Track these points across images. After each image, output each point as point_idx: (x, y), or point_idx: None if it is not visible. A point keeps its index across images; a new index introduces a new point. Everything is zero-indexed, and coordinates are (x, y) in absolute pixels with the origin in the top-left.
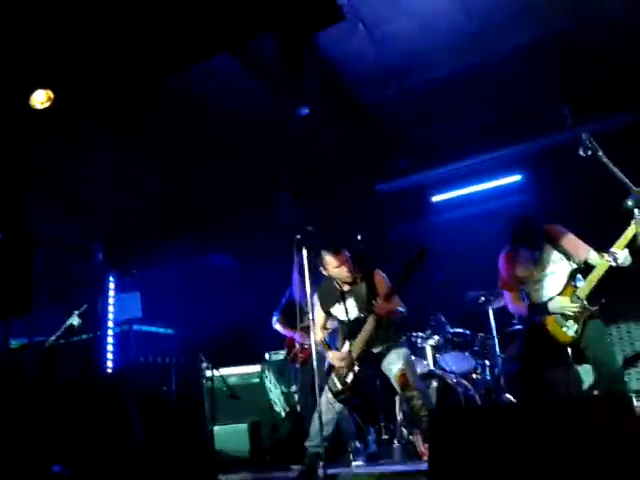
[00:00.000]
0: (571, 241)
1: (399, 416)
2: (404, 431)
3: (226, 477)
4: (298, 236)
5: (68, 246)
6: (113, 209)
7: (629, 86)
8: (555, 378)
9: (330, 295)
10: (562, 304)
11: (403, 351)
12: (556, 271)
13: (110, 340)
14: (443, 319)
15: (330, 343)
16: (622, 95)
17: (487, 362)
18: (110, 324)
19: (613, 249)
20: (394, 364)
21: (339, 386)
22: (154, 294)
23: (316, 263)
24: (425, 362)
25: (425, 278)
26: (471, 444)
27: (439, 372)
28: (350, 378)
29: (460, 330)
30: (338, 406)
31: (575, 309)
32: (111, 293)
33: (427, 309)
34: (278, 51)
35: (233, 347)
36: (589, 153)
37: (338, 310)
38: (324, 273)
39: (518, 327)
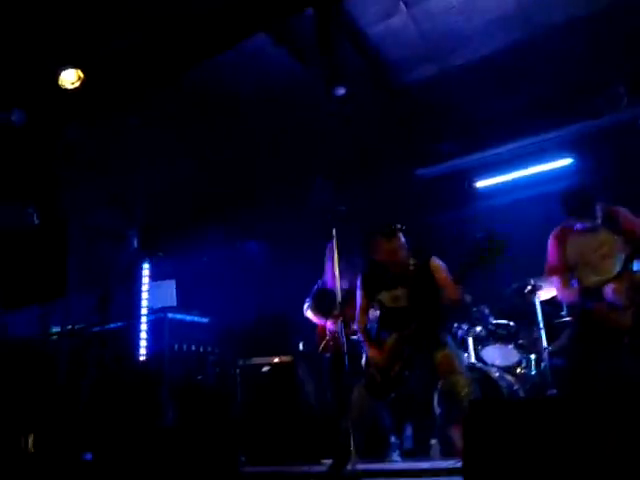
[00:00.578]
0: (631, 220)
1: (437, 411)
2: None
3: (254, 469)
4: (330, 217)
5: (103, 232)
6: (148, 195)
7: None
8: (609, 370)
9: (378, 281)
10: (618, 288)
11: (446, 336)
12: (612, 254)
13: (144, 327)
14: (487, 310)
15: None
16: None
17: (533, 356)
18: (144, 311)
19: None
20: (436, 349)
21: (378, 380)
22: (189, 282)
23: (353, 245)
24: (466, 355)
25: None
26: (508, 439)
27: (481, 365)
28: (393, 373)
29: (504, 322)
30: (373, 400)
31: (631, 297)
32: (145, 280)
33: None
34: (314, 28)
35: (267, 336)
36: None
37: (386, 297)
38: (375, 258)
39: (567, 319)
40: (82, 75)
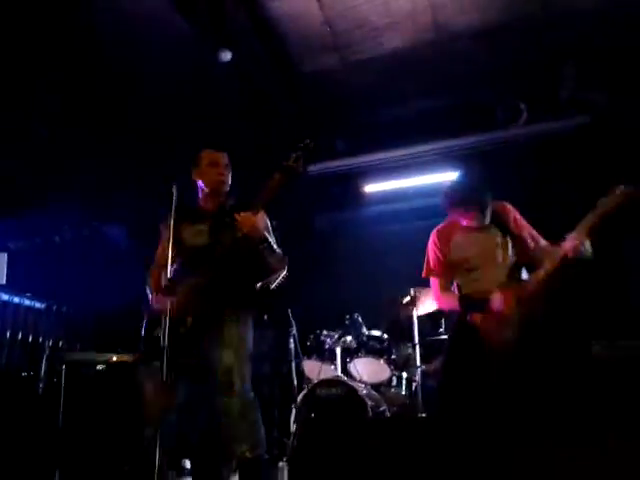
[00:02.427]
0: (522, 225)
1: (293, 427)
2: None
3: None
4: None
5: None
6: None
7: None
8: (478, 392)
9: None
10: (506, 301)
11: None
12: (500, 258)
13: None
14: (360, 319)
15: None
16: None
17: (404, 374)
18: None
19: (574, 234)
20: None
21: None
22: (30, 261)
23: None
24: (332, 366)
25: (344, 272)
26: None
27: (347, 380)
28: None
29: (377, 333)
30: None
31: (518, 310)
32: None
33: (343, 307)
34: None
35: (117, 330)
36: None
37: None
38: None
39: (444, 337)
40: None
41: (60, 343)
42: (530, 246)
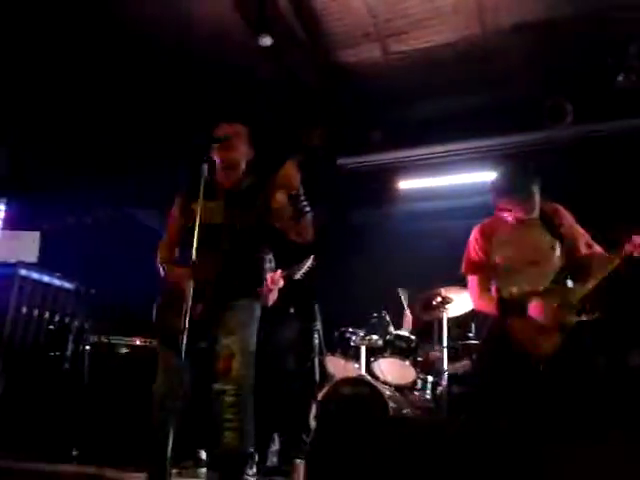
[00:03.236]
0: (575, 230)
1: (312, 424)
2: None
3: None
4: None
5: None
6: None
7: None
8: (513, 402)
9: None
10: (547, 308)
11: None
12: (545, 261)
13: None
14: (387, 318)
15: None
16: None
17: (430, 378)
18: None
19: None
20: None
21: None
22: (60, 242)
23: None
24: (356, 365)
25: (374, 268)
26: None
27: (370, 380)
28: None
29: (405, 333)
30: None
31: (561, 315)
32: None
33: (371, 304)
34: None
35: (141, 315)
36: None
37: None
38: None
39: (474, 342)
40: None
41: (86, 325)
42: (582, 253)
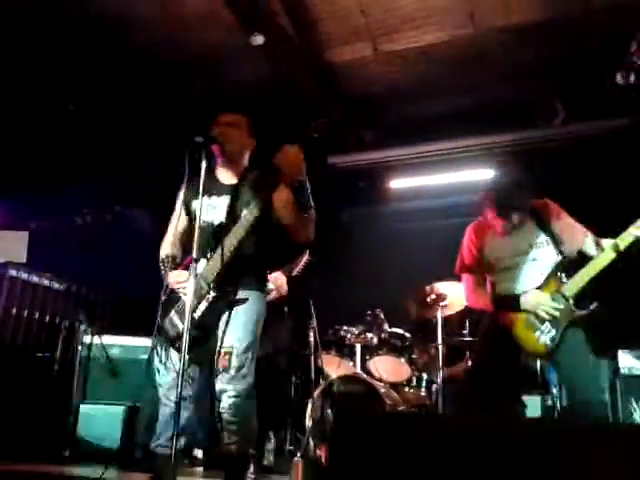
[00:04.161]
0: (567, 223)
1: (309, 423)
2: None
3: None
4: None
5: None
6: None
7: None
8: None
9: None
10: (540, 300)
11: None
12: (538, 257)
13: None
14: (382, 316)
15: None
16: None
17: (425, 375)
18: None
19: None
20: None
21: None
22: (50, 242)
23: None
24: (351, 363)
25: (369, 267)
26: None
27: (365, 377)
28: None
29: (399, 330)
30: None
31: (557, 310)
32: None
33: (366, 302)
34: None
35: (135, 315)
36: None
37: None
38: None
39: (469, 339)
40: None
41: (77, 325)
42: (578, 243)
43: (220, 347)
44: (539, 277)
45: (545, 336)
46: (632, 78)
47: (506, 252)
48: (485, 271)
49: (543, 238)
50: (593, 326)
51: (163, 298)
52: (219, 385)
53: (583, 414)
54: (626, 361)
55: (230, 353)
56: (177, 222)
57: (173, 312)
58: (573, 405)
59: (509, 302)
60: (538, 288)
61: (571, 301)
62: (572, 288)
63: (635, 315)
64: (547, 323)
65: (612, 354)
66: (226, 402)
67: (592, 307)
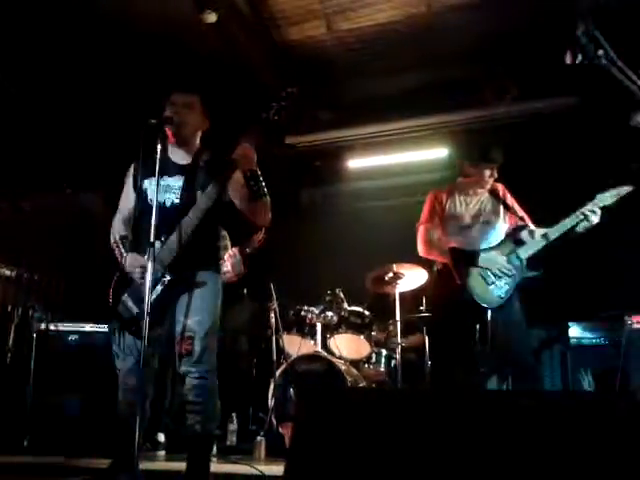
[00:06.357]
0: (514, 202)
1: (271, 402)
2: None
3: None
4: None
5: None
6: None
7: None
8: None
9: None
10: (498, 260)
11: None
12: (494, 223)
13: None
14: (342, 295)
15: None
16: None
17: (384, 351)
18: None
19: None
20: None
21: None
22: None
23: None
24: (312, 342)
25: (328, 247)
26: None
27: (326, 355)
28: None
29: (359, 309)
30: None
31: (511, 269)
32: None
33: (326, 282)
34: None
35: (89, 300)
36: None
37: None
38: None
39: (425, 314)
40: None
41: (30, 312)
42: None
43: (182, 332)
44: (494, 239)
45: (498, 290)
46: (579, 58)
47: (467, 211)
48: (444, 227)
49: (498, 208)
50: (545, 299)
51: (115, 281)
52: (183, 367)
53: (515, 364)
54: (575, 332)
55: (192, 337)
56: (126, 201)
57: (126, 295)
58: (507, 355)
59: (469, 257)
60: (495, 249)
61: (524, 262)
62: (527, 251)
63: (584, 288)
64: (502, 279)
65: (563, 326)
66: (190, 383)
67: (539, 272)
